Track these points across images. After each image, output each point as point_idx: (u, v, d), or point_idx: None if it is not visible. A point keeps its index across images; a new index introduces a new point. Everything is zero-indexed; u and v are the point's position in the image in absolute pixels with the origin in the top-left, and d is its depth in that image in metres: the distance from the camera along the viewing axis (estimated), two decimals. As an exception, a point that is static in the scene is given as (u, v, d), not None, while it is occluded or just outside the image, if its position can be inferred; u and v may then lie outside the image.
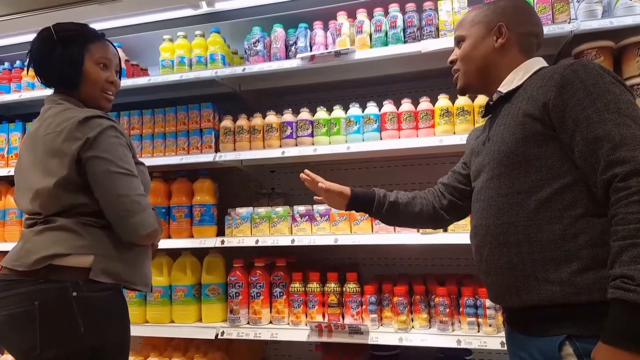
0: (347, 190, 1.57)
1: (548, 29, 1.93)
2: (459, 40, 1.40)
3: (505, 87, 1.30)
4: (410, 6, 2.24)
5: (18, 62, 2.98)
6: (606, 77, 1.10)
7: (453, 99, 2.20)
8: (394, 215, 1.57)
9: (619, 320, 0.97)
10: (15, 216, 2.77)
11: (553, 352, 1.09)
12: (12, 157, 2.81)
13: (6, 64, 2.97)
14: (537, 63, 1.30)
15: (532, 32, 1.34)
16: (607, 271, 1.01)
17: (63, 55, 1.57)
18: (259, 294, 2.35)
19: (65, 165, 1.47)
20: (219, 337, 2.30)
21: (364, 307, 2.21)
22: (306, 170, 1.63)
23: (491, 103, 1.35)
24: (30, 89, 2.82)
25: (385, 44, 2.24)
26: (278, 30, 2.42)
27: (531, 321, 1.17)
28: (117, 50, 1.73)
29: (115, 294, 1.53)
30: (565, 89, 1.11)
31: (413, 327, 2.16)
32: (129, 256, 1.55)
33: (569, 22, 1.92)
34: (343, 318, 2.25)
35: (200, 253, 2.54)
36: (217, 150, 2.51)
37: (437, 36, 2.18)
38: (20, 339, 1.43)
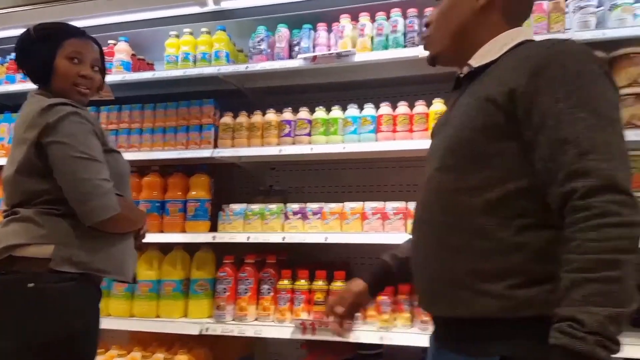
0: (361, 286, 1.33)
1: (543, 38, 1.99)
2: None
3: (477, 60, 1.09)
4: (411, 11, 2.29)
5: (25, 53, 3.03)
6: (593, 67, 0.93)
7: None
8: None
9: None
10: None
11: None
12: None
13: (12, 55, 3.02)
14: (520, 34, 1.08)
15: None
16: (556, 307, 0.84)
17: (37, 52, 1.61)
18: (246, 291, 2.34)
19: (24, 151, 1.49)
20: (203, 333, 2.28)
21: (349, 305, 2.21)
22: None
23: (461, 76, 1.14)
24: (35, 79, 2.87)
25: (386, 47, 2.29)
26: (282, 30, 2.47)
27: (462, 337, 1.01)
28: (100, 48, 1.74)
29: (81, 284, 1.49)
30: (539, 74, 0.93)
31: (395, 326, 2.15)
32: (95, 244, 1.53)
33: (564, 32, 1.98)
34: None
35: (193, 248, 2.54)
36: (215, 146, 2.53)
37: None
38: None
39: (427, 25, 1.20)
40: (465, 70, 1.11)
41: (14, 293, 1.43)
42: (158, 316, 2.47)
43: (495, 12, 1.10)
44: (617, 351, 0.80)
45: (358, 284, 1.34)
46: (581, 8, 1.95)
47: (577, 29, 1.97)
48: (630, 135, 1.91)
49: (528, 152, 0.94)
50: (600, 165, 0.84)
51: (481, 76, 1.06)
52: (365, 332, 2.12)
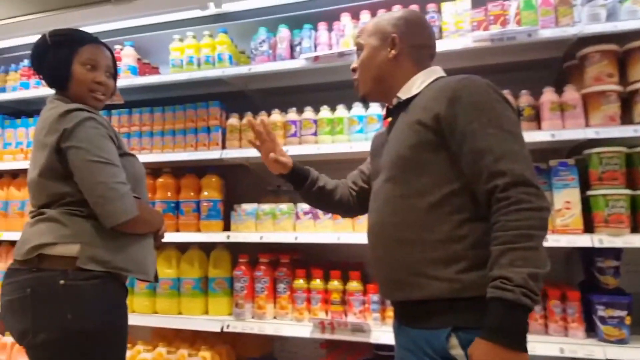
0: (290, 162, 1.62)
1: (552, 32, 1.92)
2: (358, 49, 1.45)
3: (404, 93, 1.36)
4: (413, 8, 2.22)
5: (36, 60, 3.07)
6: (492, 95, 1.19)
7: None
8: (318, 198, 1.65)
9: (496, 317, 1.05)
10: (17, 208, 2.92)
11: (441, 343, 1.16)
12: (30, 150, 2.92)
13: (25, 62, 3.08)
14: (434, 73, 1.37)
15: (424, 45, 1.41)
16: (487, 272, 1.09)
17: (54, 57, 1.65)
18: (263, 289, 2.40)
19: (45, 156, 1.56)
20: (224, 330, 2.35)
21: (366, 305, 2.23)
22: (262, 119, 1.61)
23: (391, 107, 1.42)
24: (48, 85, 2.92)
25: (389, 44, 2.24)
26: (283, 31, 2.44)
27: (420, 315, 1.23)
28: (111, 54, 1.77)
29: (106, 281, 1.56)
30: (455, 102, 1.19)
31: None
32: (117, 244, 1.59)
33: (572, 25, 1.89)
34: (346, 316, 2.27)
35: (207, 247, 2.61)
36: (223, 147, 2.56)
37: (440, 37, 2.17)
38: (17, 323, 1.53)
39: (353, 70, 1.46)
40: (395, 102, 1.38)
41: (46, 289, 1.50)
42: (180, 313, 2.56)
43: (406, 58, 1.38)
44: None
45: (289, 162, 1.61)
46: (590, 0, 1.85)
47: (587, 22, 1.88)
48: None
49: (456, 161, 1.20)
50: (511, 166, 1.10)
51: (408, 106, 1.32)
52: (386, 333, 2.12)
